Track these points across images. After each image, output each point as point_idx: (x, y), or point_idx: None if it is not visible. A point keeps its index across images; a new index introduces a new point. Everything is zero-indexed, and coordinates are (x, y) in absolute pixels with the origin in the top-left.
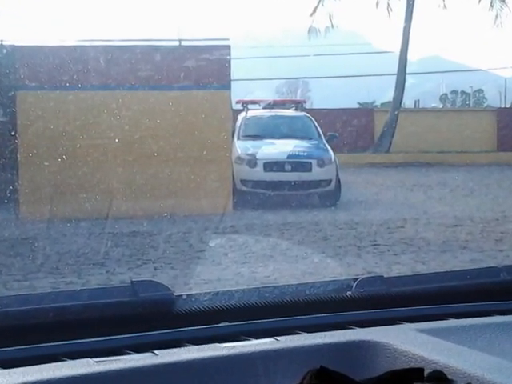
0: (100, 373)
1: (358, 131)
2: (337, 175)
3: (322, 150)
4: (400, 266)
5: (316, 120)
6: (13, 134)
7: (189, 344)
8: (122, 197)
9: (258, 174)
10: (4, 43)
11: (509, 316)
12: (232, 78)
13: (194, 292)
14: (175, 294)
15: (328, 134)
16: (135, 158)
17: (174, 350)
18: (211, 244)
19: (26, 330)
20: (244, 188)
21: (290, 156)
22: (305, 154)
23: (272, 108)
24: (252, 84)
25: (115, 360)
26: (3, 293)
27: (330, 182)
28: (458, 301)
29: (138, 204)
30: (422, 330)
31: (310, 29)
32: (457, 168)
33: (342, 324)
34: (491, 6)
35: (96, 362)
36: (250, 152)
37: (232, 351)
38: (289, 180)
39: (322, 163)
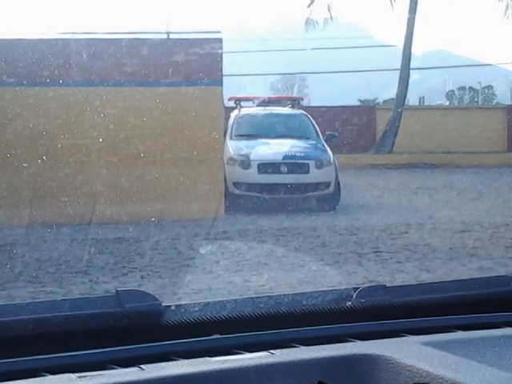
0: None
1: (359, 130)
2: (336, 177)
3: (320, 150)
4: (404, 274)
5: (314, 118)
6: None
7: (178, 358)
8: (107, 200)
9: (252, 176)
10: None
11: None
12: (224, 74)
13: (183, 302)
14: (163, 304)
15: (327, 133)
16: (120, 159)
17: (162, 364)
18: (202, 251)
19: (3, 342)
20: (237, 191)
21: (285, 157)
22: (302, 154)
23: (267, 105)
24: (245, 80)
25: (99, 375)
26: None
27: (328, 184)
28: (465, 312)
29: (124, 208)
30: (427, 343)
31: (307, 21)
32: (464, 170)
33: (342, 336)
34: None
35: (78, 377)
36: (243, 153)
37: (224, 365)
38: (285, 182)
39: (320, 164)
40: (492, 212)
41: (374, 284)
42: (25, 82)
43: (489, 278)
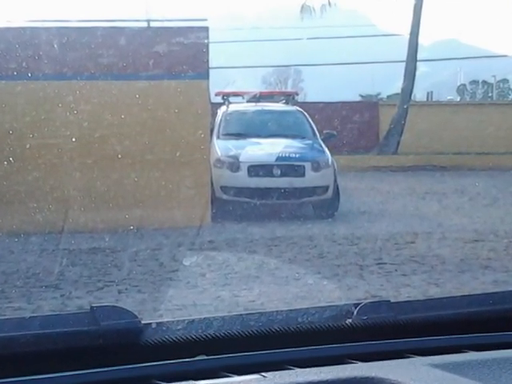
0: None
1: (360, 129)
2: (335, 181)
3: (317, 151)
4: (410, 288)
5: (310, 115)
6: None
7: (159, 381)
8: (81, 207)
9: (242, 179)
10: None
11: None
12: (210, 66)
13: (165, 320)
14: (143, 321)
15: (325, 132)
16: (96, 161)
17: None
18: (186, 263)
19: None
20: (225, 196)
21: (279, 158)
22: (297, 155)
23: (258, 101)
24: (234, 73)
25: None
26: None
27: (326, 188)
28: (478, 330)
29: (99, 215)
30: (435, 365)
31: (302, 7)
32: (477, 172)
33: (341, 357)
34: None
35: None
36: (231, 153)
37: None
38: (278, 187)
39: (317, 167)
40: (508, 220)
41: (377, 299)
42: None
43: (504, 292)
